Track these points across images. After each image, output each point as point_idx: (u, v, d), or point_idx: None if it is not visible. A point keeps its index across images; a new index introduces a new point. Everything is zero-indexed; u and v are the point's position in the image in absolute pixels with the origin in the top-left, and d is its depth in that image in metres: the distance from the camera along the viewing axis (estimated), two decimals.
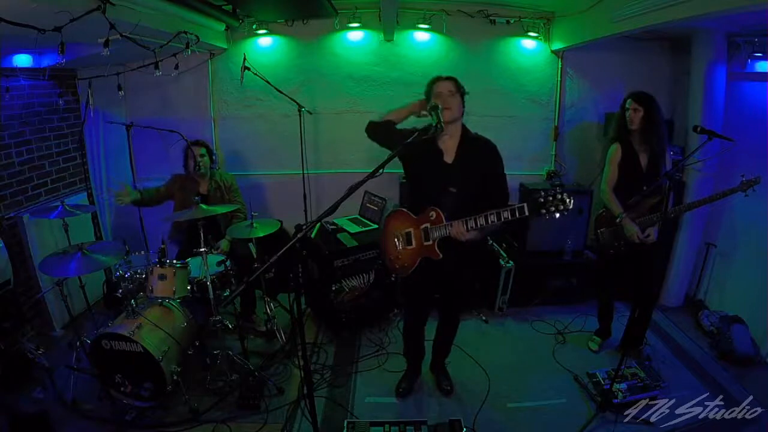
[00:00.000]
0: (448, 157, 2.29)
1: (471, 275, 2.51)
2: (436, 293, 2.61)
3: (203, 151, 3.30)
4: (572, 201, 1.87)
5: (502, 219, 2.03)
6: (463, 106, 2.29)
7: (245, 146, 4.24)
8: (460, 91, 2.26)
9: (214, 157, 3.42)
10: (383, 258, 2.52)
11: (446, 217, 2.21)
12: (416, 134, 2.00)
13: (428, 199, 2.28)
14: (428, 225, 2.27)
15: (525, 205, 1.95)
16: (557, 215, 1.88)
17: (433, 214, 2.25)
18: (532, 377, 2.92)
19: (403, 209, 2.38)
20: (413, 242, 2.34)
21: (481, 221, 2.09)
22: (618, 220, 2.74)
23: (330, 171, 4.25)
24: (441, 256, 2.25)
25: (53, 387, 2.70)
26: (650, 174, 2.69)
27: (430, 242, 2.27)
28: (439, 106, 2.11)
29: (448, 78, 2.27)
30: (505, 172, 2.35)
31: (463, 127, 2.34)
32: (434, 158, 2.29)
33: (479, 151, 2.30)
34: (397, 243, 2.40)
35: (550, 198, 1.87)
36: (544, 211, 1.89)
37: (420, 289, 2.56)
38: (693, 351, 3.19)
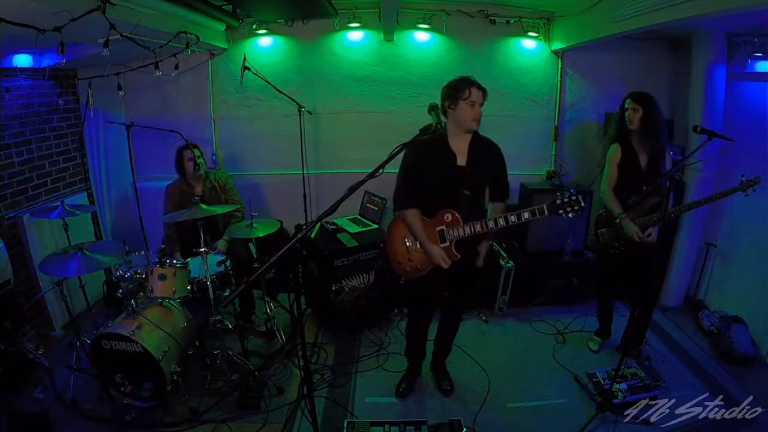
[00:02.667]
0: (461, 160, 2.30)
1: (474, 275, 2.53)
2: (443, 293, 2.63)
3: (197, 152, 3.30)
4: (584, 201, 2.02)
5: (522, 220, 2.14)
6: None
7: (245, 146, 4.24)
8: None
9: (214, 157, 3.41)
10: (391, 261, 2.53)
11: (462, 218, 2.25)
12: (416, 135, 2.00)
13: (442, 202, 2.30)
14: (444, 227, 2.29)
15: (545, 206, 2.07)
16: (571, 215, 2.03)
17: (449, 216, 2.27)
18: (532, 377, 2.92)
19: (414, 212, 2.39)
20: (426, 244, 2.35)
21: (501, 222, 2.17)
22: (618, 221, 2.74)
23: (330, 171, 4.25)
24: (459, 256, 2.29)
25: (53, 387, 2.70)
26: (650, 174, 2.69)
27: (447, 243, 2.29)
28: (439, 107, 2.11)
29: (483, 89, 2.24)
30: (505, 167, 2.41)
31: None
32: (448, 161, 2.30)
33: (488, 153, 2.34)
34: (408, 245, 2.42)
35: (566, 200, 2.03)
36: (561, 211, 2.04)
37: (428, 290, 2.56)
38: (693, 351, 3.19)
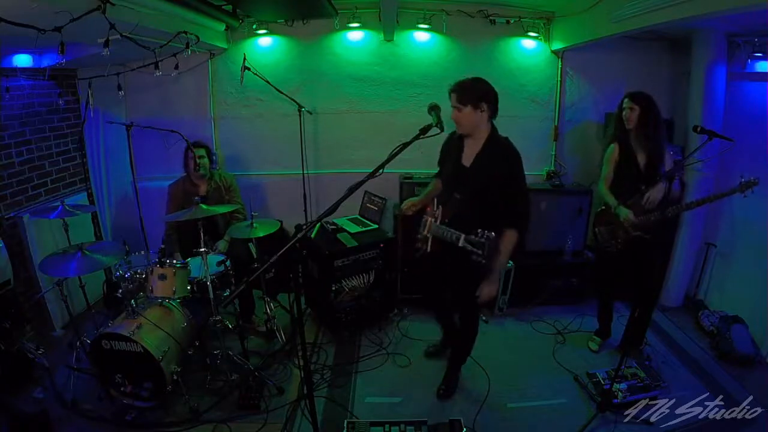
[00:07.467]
0: (467, 161, 2.30)
1: (473, 281, 2.48)
2: (445, 287, 2.69)
3: (203, 152, 3.30)
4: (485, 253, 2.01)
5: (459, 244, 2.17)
6: (484, 110, 2.20)
7: (245, 146, 4.24)
8: (472, 102, 2.17)
9: (214, 158, 3.40)
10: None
11: (443, 218, 2.32)
12: (416, 134, 2.00)
13: (441, 196, 2.41)
14: (432, 219, 2.39)
15: (462, 236, 2.12)
16: (473, 257, 2.04)
17: (438, 211, 2.36)
18: (532, 377, 2.92)
19: (435, 199, 2.50)
20: (425, 230, 2.46)
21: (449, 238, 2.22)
22: (614, 209, 2.74)
23: (330, 171, 4.25)
24: (429, 250, 2.38)
25: (53, 387, 2.70)
26: (649, 173, 2.68)
27: (425, 234, 2.41)
28: (440, 106, 2.12)
29: (456, 90, 2.18)
30: (521, 183, 2.26)
31: (491, 130, 2.27)
32: (455, 159, 2.33)
33: (494, 155, 2.24)
34: (422, 226, 2.54)
35: (474, 239, 2.04)
36: (470, 248, 2.05)
37: (427, 274, 2.69)
38: (693, 351, 3.18)
